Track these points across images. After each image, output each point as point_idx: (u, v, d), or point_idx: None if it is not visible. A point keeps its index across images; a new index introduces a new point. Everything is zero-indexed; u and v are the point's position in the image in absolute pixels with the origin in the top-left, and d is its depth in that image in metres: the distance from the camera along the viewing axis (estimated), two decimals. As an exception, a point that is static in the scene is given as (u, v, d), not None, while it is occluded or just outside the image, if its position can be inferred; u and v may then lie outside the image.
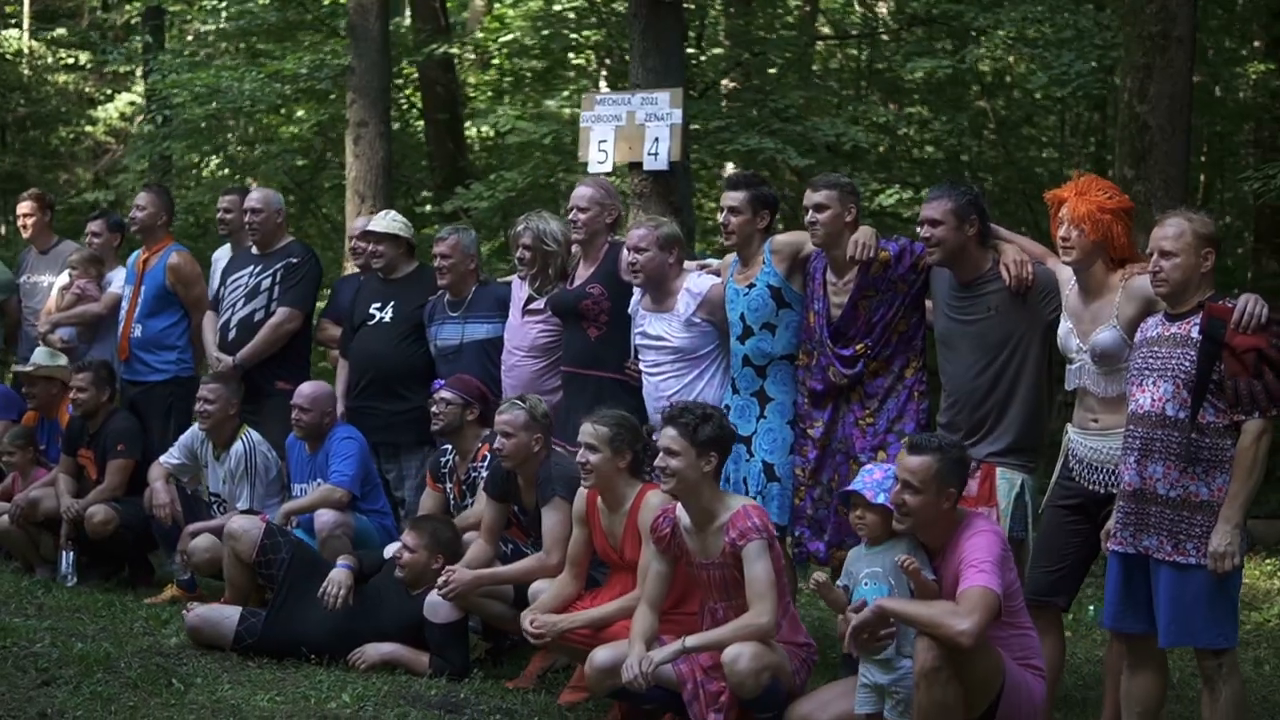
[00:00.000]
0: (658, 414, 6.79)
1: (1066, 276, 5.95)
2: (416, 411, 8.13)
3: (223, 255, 9.52)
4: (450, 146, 15.60)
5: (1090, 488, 5.75)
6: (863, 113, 11.80)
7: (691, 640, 5.49)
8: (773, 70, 12.65)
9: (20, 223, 10.21)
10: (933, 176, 12.89)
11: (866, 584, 5.22)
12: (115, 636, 7.21)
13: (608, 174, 8.81)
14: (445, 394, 7.29)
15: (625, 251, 7.08)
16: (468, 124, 16.11)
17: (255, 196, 8.97)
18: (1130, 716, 5.57)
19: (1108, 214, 5.72)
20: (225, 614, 7.06)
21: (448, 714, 6.15)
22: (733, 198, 6.79)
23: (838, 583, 5.35)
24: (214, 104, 13.10)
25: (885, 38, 13.40)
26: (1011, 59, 10.91)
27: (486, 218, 13.24)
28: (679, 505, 5.74)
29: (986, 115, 13.74)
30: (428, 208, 15.01)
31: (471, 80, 16.71)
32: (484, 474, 7.13)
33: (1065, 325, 5.88)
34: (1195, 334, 5.18)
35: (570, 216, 7.47)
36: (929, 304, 6.57)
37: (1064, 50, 10.72)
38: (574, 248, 7.57)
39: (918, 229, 6.26)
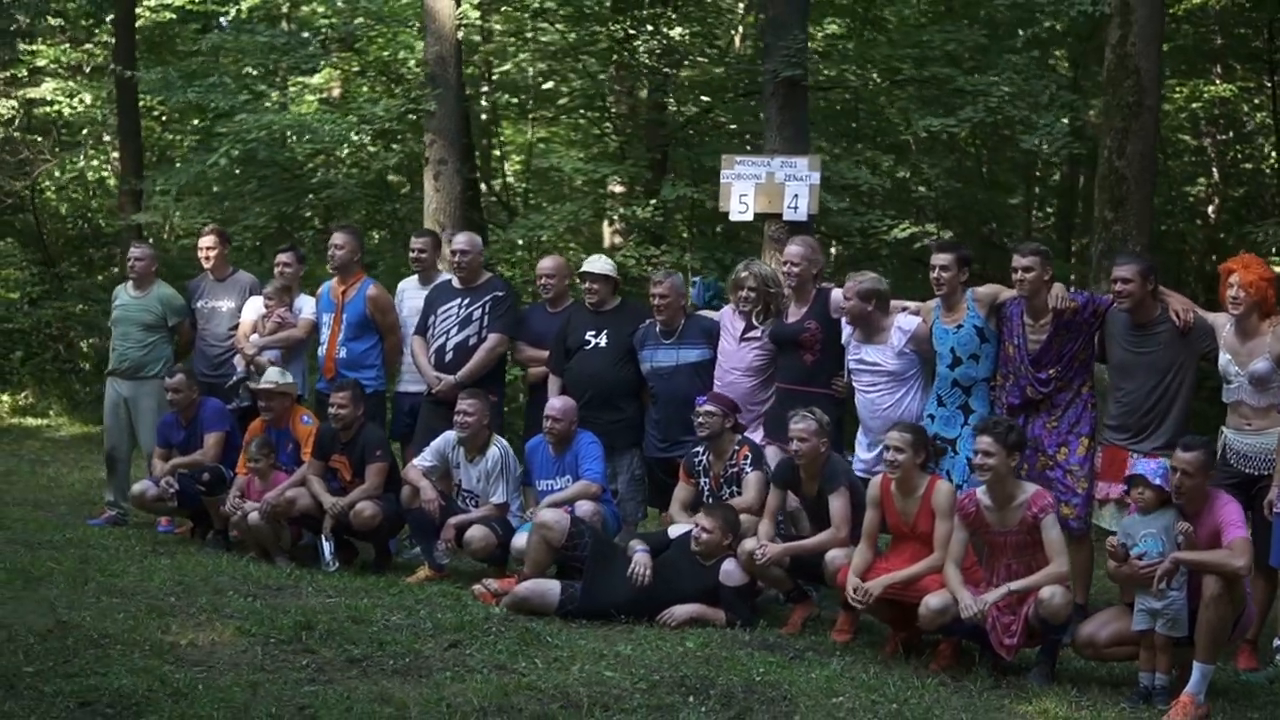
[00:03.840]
0: (872, 422, 9.11)
1: (1221, 322, 8.37)
2: (628, 420, 10.21)
3: (409, 288, 11.22)
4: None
5: (1246, 471, 8.16)
6: (869, 159, 14.12)
7: (1015, 585, 7.68)
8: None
9: (203, 255, 11.70)
10: (933, 214, 15.46)
11: (1144, 540, 7.50)
12: (451, 609, 8.94)
13: (746, 222, 10.95)
14: (709, 408, 9.28)
15: (838, 296, 9.29)
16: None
17: (462, 240, 10.79)
18: (1280, 624, 8.10)
19: (1265, 281, 8.17)
20: (548, 586, 8.92)
21: (774, 652, 8.17)
22: (943, 258, 9.00)
23: (1116, 540, 7.63)
24: (305, 139, 14.57)
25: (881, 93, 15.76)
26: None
27: (531, 244, 15.11)
28: (978, 490, 7.96)
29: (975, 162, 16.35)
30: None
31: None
32: (747, 469, 9.18)
33: (1225, 357, 8.27)
34: (1343, 364, 7.69)
35: (785, 270, 9.59)
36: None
37: (1044, 113, 13.19)
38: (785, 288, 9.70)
39: (1111, 285, 8.60)
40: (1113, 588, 9.11)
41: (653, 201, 14.74)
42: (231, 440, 10.97)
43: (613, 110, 17.77)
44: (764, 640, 8.45)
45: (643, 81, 17.03)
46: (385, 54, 16.42)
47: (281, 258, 11.45)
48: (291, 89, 20.05)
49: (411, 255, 11.27)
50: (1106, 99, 12.56)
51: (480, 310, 10.58)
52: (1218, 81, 18.77)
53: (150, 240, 19.34)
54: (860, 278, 9.31)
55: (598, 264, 10.45)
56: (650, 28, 15.99)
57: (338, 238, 11.19)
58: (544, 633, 8.36)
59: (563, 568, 9.30)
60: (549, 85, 17.56)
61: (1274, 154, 19.80)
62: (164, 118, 22.54)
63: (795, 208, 10.73)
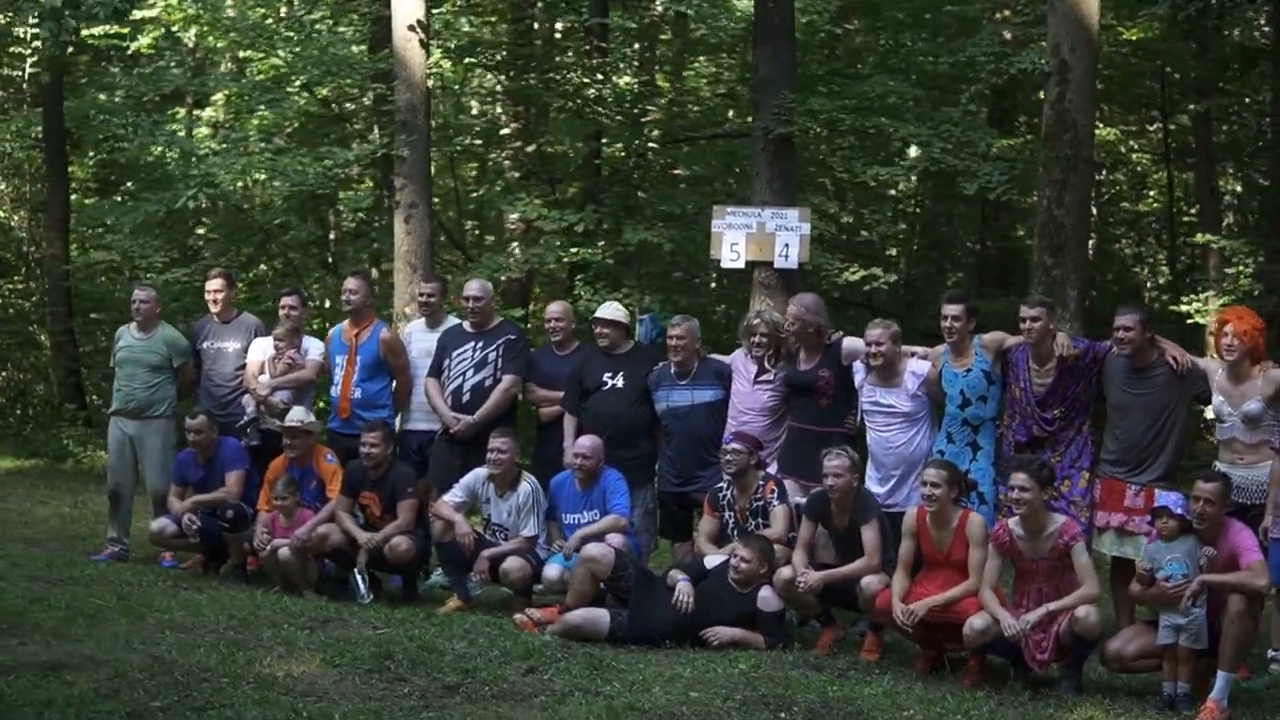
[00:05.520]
0: (886, 459, 9.94)
1: (1213, 368, 9.37)
2: (643, 457, 10.92)
3: (416, 330, 11.76)
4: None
5: (1240, 501, 9.11)
6: (816, 204, 14.97)
7: (1053, 605, 8.54)
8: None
9: (211, 298, 12.07)
10: (876, 258, 16.45)
11: (1170, 564, 8.39)
12: (504, 637, 9.47)
13: (737, 270, 11.74)
14: (735, 445, 9.99)
15: (860, 344, 10.08)
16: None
17: (475, 286, 11.38)
18: (1278, 641, 9.07)
19: (1257, 331, 9.19)
20: (599, 615, 9.54)
21: (820, 671, 8.89)
22: (954, 309, 9.88)
23: (1143, 565, 8.53)
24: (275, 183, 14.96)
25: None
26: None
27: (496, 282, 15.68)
28: (1011, 520, 8.81)
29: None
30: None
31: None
32: (774, 503, 9.90)
33: (1218, 399, 9.25)
34: (1334, 407, 8.72)
35: (788, 325, 10.37)
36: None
37: (985, 162, 14.19)
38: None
39: (1114, 332, 9.53)
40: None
41: (600, 244, 15.47)
42: (249, 478, 11.36)
43: (552, 151, 18.53)
44: (806, 660, 9.17)
45: (582, 126, 17.74)
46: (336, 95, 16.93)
47: (287, 301, 11.89)
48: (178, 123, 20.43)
49: (421, 299, 11.85)
50: (1046, 152, 13.54)
51: (495, 353, 11.18)
52: (1101, 125, 20.07)
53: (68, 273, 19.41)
54: (885, 324, 10.13)
55: (609, 310, 11.13)
56: (600, 76, 16.79)
57: (351, 283, 11.67)
58: (605, 657, 8.95)
59: (599, 597, 9.90)
60: (506, 131, 18.24)
61: (1151, 193, 21.30)
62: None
63: (786, 256, 11.55)
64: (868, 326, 10.17)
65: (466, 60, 17.38)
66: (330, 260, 18.71)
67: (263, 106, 18.34)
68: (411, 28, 14.78)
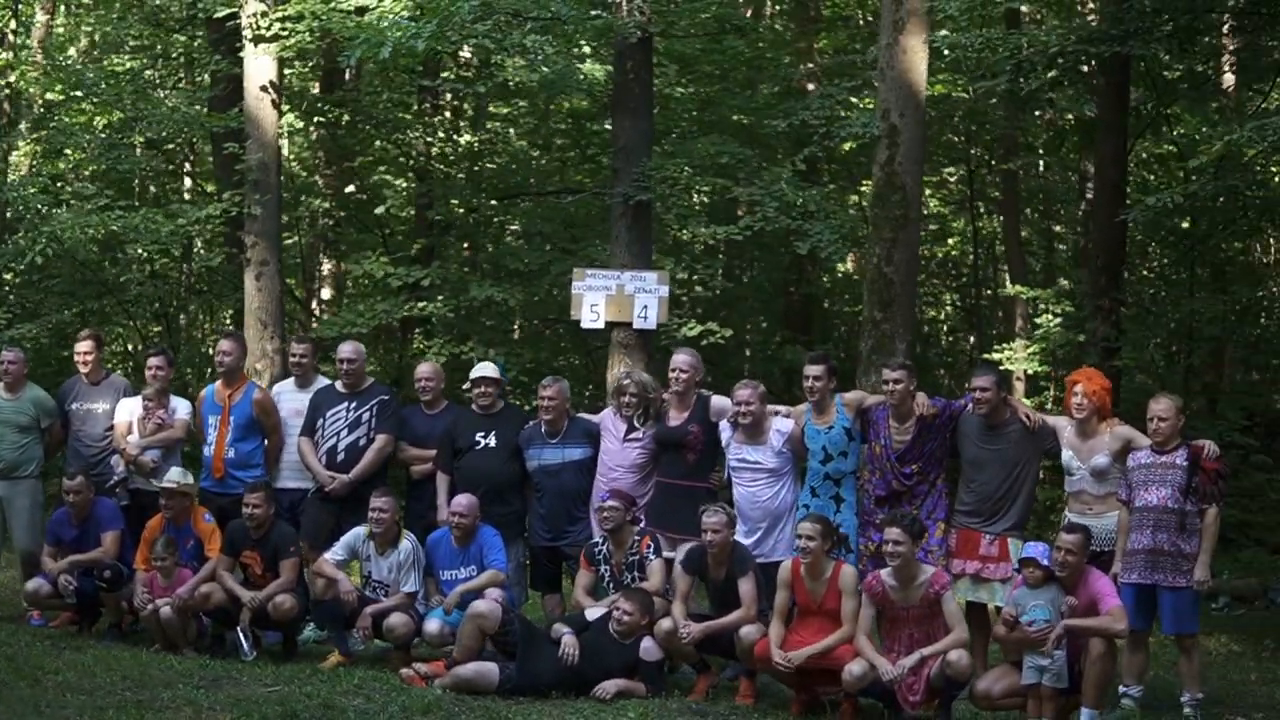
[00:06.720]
0: (752, 512, 10.48)
1: (1062, 424, 10.13)
2: (515, 513, 11.30)
3: (286, 390, 11.98)
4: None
5: (1091, 548, 9.88)
6: (655, 261, 15.48)
7: (926, 650, 9.15)
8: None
9: (81, 359, 12.09)
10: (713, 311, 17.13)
11: (1033, 610, 9.09)
12: (398, 693, 9.75)
13: (596, 330, 12.21)
14: (612, 502, 10.43)
15: (727, 402, 10.62)
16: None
17: (348, 348, 11.65)
18: (1129, 678, 9.83)
19: (1104, 391, 9.98)
20: (488, 668, 9.88)
21: (703, 718, 9.42)
22: (815, 370, 10.51)
23: (1008, 610, 9.21)
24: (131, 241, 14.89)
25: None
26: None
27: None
28: (883, 571, 9.43)
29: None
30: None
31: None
32: (650, 557, 10.37)
33: (1067, 454, 10.01)
34: (1180, 461, 9.51)
35: (673, 375, 10.86)
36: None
37: (815, 221, 14.86)
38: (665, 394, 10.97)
39: (971, 392, 10.25)
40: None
41: (440, 298, 15.79)
42: (124, 537, 11.43)
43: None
44: (689, 707, 9.68)
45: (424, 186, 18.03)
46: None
47: (153, 362, 12.02)
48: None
49: (292, 360, 12.07)
50: (875, 212, 14.27)
51: (369, 413, 11.47)
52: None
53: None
54: (752, 384, 10.70)
55: (489, 369, 11.50)
56: (442, 134, 17.11)
57: (225, 344, 11.87)
58: (500, 710, 9.35)
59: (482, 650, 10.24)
60: (352, 188, 18.43)
61: (951, 240, 22.40)
62: None
63: (645, 317, 12.05)
64: (736, 387, 10.73)
65: (315, 119, 17.60)
66: (167, 315, 18.65)
67: (71, 150, 18.27)
68: (264, 89, 15.02)
